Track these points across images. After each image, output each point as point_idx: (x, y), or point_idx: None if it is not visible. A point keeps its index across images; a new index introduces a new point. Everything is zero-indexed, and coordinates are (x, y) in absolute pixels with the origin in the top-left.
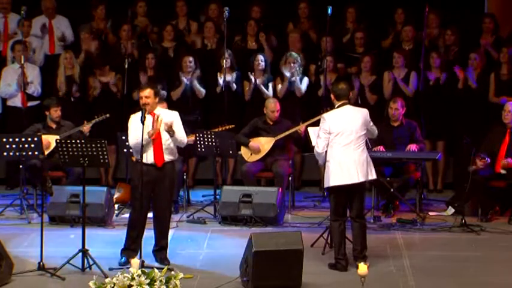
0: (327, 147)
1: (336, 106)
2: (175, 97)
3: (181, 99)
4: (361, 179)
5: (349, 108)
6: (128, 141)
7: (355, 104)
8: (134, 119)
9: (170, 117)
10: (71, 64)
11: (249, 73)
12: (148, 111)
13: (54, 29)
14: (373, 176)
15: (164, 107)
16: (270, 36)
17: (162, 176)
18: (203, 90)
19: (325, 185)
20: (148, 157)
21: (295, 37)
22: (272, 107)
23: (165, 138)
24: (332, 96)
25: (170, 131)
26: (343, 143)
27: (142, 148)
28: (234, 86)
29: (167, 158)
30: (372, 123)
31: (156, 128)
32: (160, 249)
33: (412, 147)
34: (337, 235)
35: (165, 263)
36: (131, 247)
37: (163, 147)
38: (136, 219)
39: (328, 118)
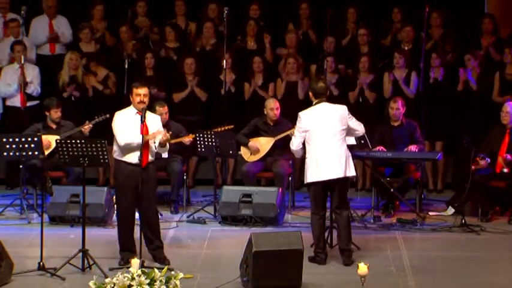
0: (302, 144)
1: (314, 103)
2: (177, 99)
3: (183, 100)
4: (339, 175)
5: (325, 105)
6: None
7: (357, 103)
8: (123, 117)
9: (158, 123)
10: (75, 65)
11: (250, 75)
12: (141, 110)
13: (55, 28)
14: (351, 172)
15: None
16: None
17: (147, 176)
18: (205, 94)
19: (305, 181)
20: (133, 157)
21: (294, 37)
22: (272, 105)
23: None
24: (310, 94)
25: (167, 141)
26: (319, 139)
27: (142, 148)
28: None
29: (150, 158)
30: (353, 118)
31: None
32: (156, 249)
33: (412, 148)
34: (316, 228)
35: (165, 262)
36: (130, 248)
37: (150, 148)
38: (126, 220)
39: (304, 116)
